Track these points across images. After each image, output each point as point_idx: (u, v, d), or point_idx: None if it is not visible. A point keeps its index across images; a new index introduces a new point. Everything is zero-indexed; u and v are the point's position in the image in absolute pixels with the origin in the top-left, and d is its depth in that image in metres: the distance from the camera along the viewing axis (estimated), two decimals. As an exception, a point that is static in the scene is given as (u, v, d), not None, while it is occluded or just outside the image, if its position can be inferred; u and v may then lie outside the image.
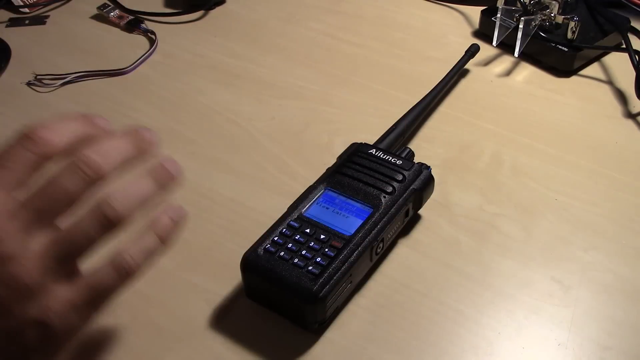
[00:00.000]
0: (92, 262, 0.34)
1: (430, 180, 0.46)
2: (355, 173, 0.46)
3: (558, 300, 0.43)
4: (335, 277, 0.39)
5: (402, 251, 0.46)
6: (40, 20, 0.73)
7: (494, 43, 0.65)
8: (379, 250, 0.43)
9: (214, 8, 0.75)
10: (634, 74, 0.60)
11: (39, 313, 0.30)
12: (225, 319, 0.42)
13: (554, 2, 0.63)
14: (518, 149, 0.55)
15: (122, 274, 0.33)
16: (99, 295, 0.32)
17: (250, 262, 0.41)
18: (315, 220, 0.43)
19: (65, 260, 0.32)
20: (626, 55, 0.61)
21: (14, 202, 0.31)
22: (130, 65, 0.65)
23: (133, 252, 0.33)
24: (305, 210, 0.43)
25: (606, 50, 0.65)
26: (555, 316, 0.42)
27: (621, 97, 0.61)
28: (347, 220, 0.42)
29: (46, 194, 0.31)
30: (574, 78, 0.63)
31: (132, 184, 0.33)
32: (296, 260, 0.40)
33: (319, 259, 0.40)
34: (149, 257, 0.34)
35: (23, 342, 0.31)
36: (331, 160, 0.48)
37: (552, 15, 0.64)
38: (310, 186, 0.45)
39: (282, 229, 0.42)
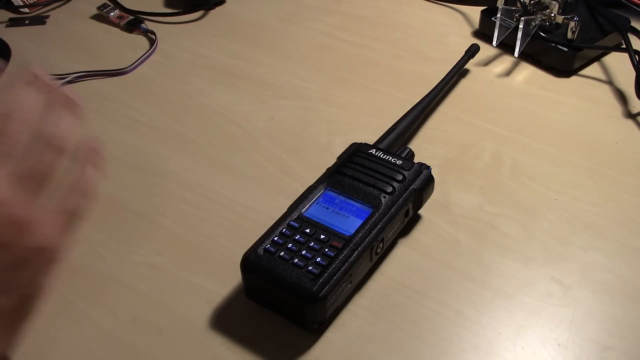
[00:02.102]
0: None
1: (430, 180, 0.46)
2: (355, 173, 0.46)
3: (558, 300, 0.43)
4: (335, 277, 0.39)
5: (402, 251, 0.46)
6: (40, 20, 0.73)
7: (494, 43, 0.65)
8: (379, 250, 0.43)
9: (214, 8, 0.75)
10: (634, 74, 0.59)
11: (41, 241, 0.36)
12: (225, 319, 0.42)
13: (554, 2, 0.63)
14: (518, 149, 0.55)
15: (84, 194, 0.39)
16: (73, 215, 0.39)
17: (250, 262, 0.41)
18: (315, 220, 0.43)
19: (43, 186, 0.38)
20: (626, 55, 0.61)
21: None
22: (130, 65, 0.65)
23: (87, 176, 0.39)
24: (305, 210, 0.43)
25: (606, 50, 0.65)
26: (555, 316, 0.42)
27: (621, 97, 0.61)
28: (347, 220, 0.42)
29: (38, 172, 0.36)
30: (574, 78, 0.63)
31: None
32: (296, 260, 0.40)
33: (319, 259, 0.40)
34: (95, 173, 0.39)
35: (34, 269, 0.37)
36: (331, 160, 0.48)
37: (552, 15, 0.64)
38: (310, 186, 0.45)
39: (282, 229, 0.42)
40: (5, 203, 0.35)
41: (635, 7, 0.66)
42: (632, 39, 0.63)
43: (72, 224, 0.39)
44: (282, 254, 0.40)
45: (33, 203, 0.36)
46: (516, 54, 0.63)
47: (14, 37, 0.69)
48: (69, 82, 0.63)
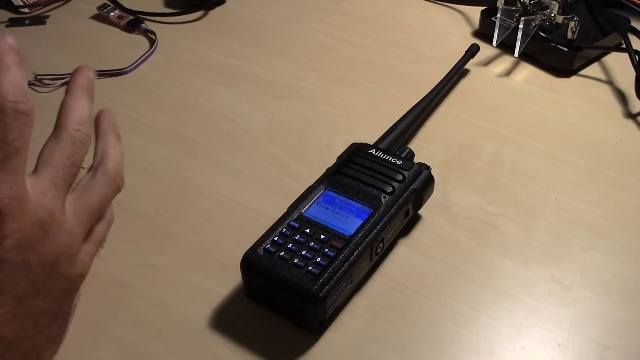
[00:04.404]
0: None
1: (430, 180, 0.46)
2: (355, 173, 0.46)
3: (558, 300, 0.43)
4: (335, 277, 0.39)
5: (402, 251, 0.46)
6: (40, 20, 0.73)
7: (494, 43, 0.65)
8: (379, 250, 0.43)
9: (214, 8, 0.75)
10: (634, 74, 0.59)
11: (82, 269, 0.38)
12: (225, 319, 0.42)
13: (554, 2, 0.63)
14: (518, 149, 0.55)
15: (110, 222, 0.42)
16: (101, 243, 0.41)
17: (250, 262, 0.41)
18: (315, 221, 0.43)
19: (95, 222, 0.40)
20: (626, 55, 0.61)
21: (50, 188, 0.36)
22: (130, 65, 0.65)
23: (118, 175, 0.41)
24: (305, 211, 0.43)
25: (606, 50, 0.65)
26: (555, 316, 0.42)
27: (621, 97, 0.61)
28: (347, 220, 0.42)
29: (67, 170, 0.37)
30: (574, 78, 0.63)
31: (114, 147, 0.41)
32: (296, 260, 0.40)
33: (319, 259, 0.40)
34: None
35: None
36: (331, 160, 0.48)
37: (552, 15, 0.64)
38: (310, 186, 0.45)
39: (282, 229, 0.42)
40: (70, 234, 0.36)
41: (635, 7, 0.66)
42: (632, 39, 0.63)
43: (100, 248, 0.42)
44: (282, 254, 0.40)
45: (85, 235, 0.39)
46: (516, 54, 0.63)
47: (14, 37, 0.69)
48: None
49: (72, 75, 0.39)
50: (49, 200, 0.35)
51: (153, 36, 0.69)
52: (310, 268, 0.39)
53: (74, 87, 0.39)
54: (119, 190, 0.41)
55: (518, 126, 0.57)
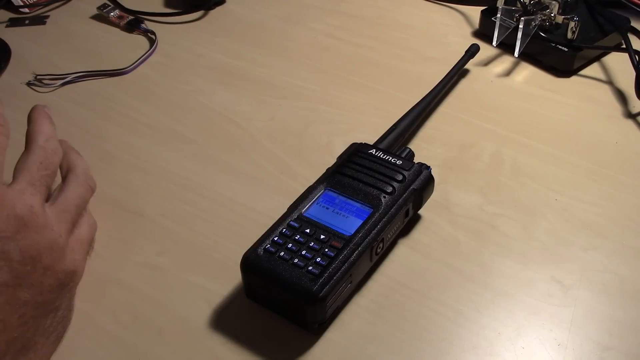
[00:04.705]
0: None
1: (430, 180, 0.46)
2: (355, 173, 0.46)
3: (558, 300, 0.43)
4: (335, 277, 0.39)
5: (402, 251, 0.46)
6: (40, 20, 0.73)
7: (494, 43, 0.65)
8: (379, 250, 0.43)
9: (214, 8, 0.75)
10: (634, 74, 0.60)
11: (73, 266, 0.39)
12: (225, 319, 0.42)
13: (554, 2, 0.63)
14: (518, 149, 0.55)
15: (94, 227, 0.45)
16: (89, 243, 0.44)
17: (250, 262, 0.41)
18: (315, 221, 0.43)
19: (76, 219, 0.41)
20: (626, 55, 0.61)
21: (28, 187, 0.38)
22: (130, 65, 0.65)
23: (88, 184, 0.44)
24: (305, 211, 0.43)
25: (606, 50, 0.66)
26: (555, 316, 0.42)
27: (621, 97, 0.61)
28: (347, 220, 0.42)
29: (41, 172, 0.39)
30: (574, 78, 0.63)
31: (77, 159, 0.45)
32: (296, 260, 0.40)
33: (319, 259, 0.40)
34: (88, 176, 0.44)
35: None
36: (331, 160, 0.48)
37: (552, 15, 0.64)
38: (310, 186, 0.45)
39: (282, 229, 0.42)
40: (52, 230, 0.38)
41: (635, 7, 0.66)
42: (632, 39, 0.63)
43: (89, 250, 0.44)
44: (282, 254, 0.40)
45: (69, 232, 0.40)
46: (516, 54, 0.63)
47: (14, 37, 0.69)
48: (69, 82, 0.63)
49: (31, 112, 0.43)
50: (27, 197, 0.37)
51: (153, 36, 0.69)
52: (310, 268, 0.39)
53: (35, 117, 0.43)
54: (92, 190, 0.44)
55: (518, 126, 0.57)
